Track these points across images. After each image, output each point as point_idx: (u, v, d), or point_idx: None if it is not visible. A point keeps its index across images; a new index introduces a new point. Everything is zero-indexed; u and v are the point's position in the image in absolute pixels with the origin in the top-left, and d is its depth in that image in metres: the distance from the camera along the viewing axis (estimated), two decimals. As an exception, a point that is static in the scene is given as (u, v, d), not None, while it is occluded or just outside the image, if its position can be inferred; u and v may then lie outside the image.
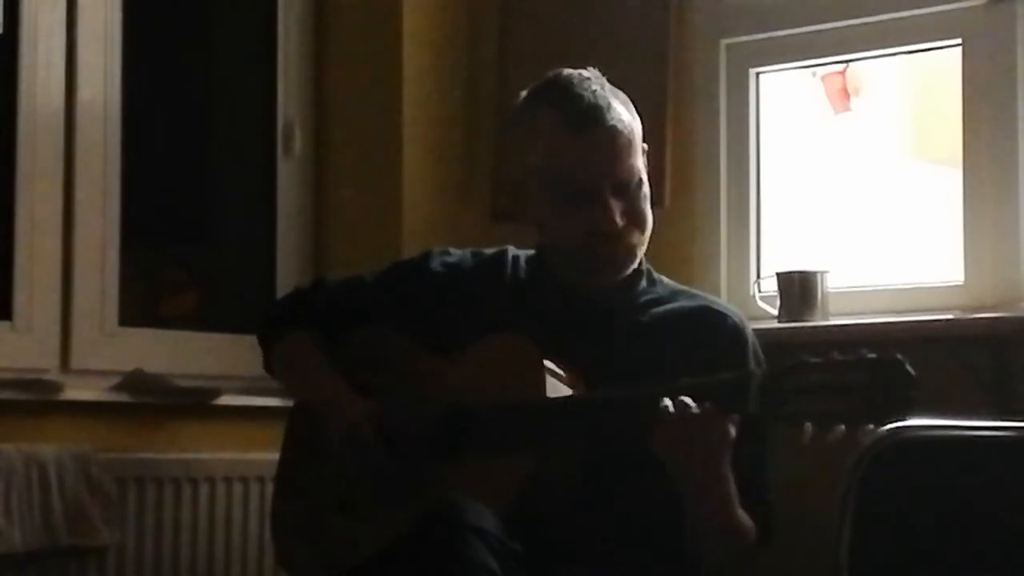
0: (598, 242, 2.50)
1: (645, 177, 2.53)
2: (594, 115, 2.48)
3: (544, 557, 2.33)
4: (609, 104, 2.49)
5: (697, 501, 2.33)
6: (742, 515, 2.38)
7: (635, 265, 2.58)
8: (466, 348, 2.54)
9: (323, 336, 2.73)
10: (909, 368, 2.08)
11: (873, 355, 2.11)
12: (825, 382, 2.12)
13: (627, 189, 2.50)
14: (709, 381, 2.27)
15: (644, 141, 2.56)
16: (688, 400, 2.24)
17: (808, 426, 2.13)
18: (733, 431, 2.25)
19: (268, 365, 2.84)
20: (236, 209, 4.02)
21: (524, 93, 2.61)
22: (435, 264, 2.72)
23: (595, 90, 2.50)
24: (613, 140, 2.48)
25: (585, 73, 2.55)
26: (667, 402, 2.24)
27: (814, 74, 3.48)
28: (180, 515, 3.38)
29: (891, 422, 2.21)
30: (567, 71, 2.56)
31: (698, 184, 3.49)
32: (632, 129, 2.51)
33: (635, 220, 2.51)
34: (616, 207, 2.47)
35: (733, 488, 2.33)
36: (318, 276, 3.69)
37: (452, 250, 2.76)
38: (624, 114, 2.50)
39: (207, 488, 3.43)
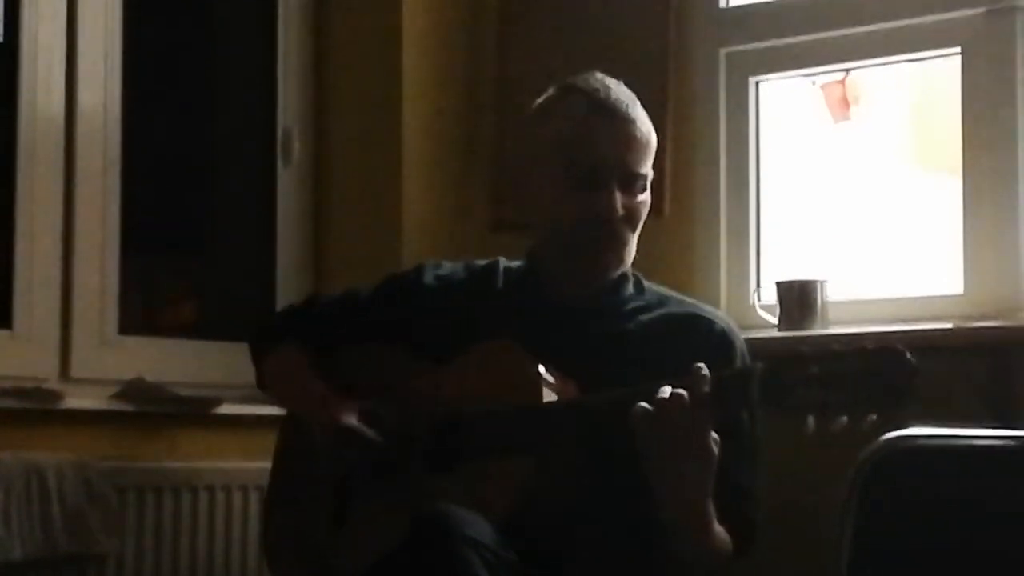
0: (594, 228, 2.53)
1: (648, 191, 2.59)
2: (622, 105, 2.56)
3: (540, 565, 2.32)
4: (634, 101, 2.59)
5: (671, 503, 2.26)
6: (718, 529, 2.33)
7: (621, 268, 2.60)
8: (458, 357, 2.54)
9: (316, 350, 2.73)
10: (910, 357, 2.07)
11: (873, 345, 2.10)
12: (826, 373, 2.12)
13: (632, 186, 2.55)
14: (712, 376, 2.23)
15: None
16: (681, 390, 2.19)
17: (811, 419, 2.12)
18: (715, 448, 2.21)
19: (260, 380, 2.83)
20: (235, 217, 4.02)
21: (551, 89, 2.67)
22: (428, 277, 2.73)
23: (621, 88, 2.60)
24: (633, 133, 2.56)
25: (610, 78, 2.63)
26: (665, 390, 2.20)
27: (814, 83, 3.47)
28: (179, 524, 3.38)
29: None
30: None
31: (698, 193, 3.48)
32: (649, 132, 2.59)
33: (631, 217, 2.56)
34: (618, 198, 2.52)
35: (710, 503, 2.28)
36: (317, 285, 3.72)
37: (445, 263, 2.78)
38: (645, 118, 2.59)
39: (206, 496, 3.43)
